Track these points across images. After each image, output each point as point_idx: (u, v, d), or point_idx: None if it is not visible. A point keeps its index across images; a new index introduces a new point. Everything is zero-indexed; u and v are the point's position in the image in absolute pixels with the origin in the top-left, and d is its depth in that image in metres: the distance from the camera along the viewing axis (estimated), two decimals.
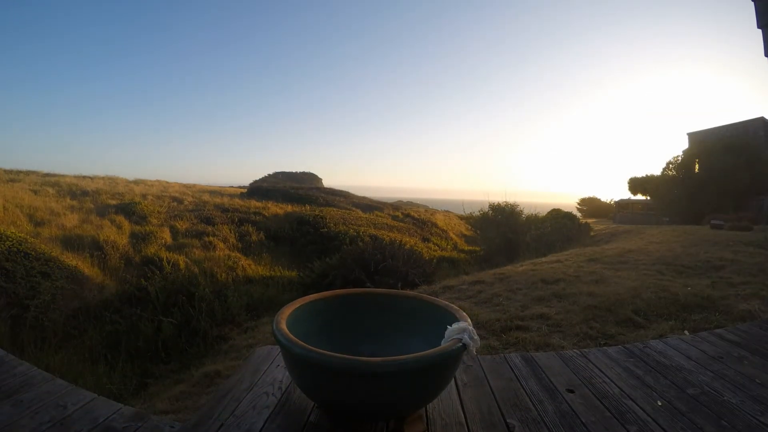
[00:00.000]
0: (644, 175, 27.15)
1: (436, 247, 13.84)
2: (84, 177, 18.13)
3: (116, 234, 9.87)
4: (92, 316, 6.50)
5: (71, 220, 10.01)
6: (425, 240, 14.78)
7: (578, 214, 22.04)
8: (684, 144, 24.58)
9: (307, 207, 17.46)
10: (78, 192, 13.46)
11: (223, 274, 8.59)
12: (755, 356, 2.05)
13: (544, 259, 7.39)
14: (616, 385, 1.75)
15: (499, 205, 13.69)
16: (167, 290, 6.74)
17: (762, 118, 20.41)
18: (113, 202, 12.58)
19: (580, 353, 2.11)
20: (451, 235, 17.34)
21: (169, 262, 8.69)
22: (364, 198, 26.35)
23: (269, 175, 54.76)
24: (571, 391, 1.68)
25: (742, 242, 7.24)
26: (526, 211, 14.26)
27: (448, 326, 1.37)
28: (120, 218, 11.10)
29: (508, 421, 1.46)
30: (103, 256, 8.64)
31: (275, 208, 15.80)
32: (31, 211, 9.88)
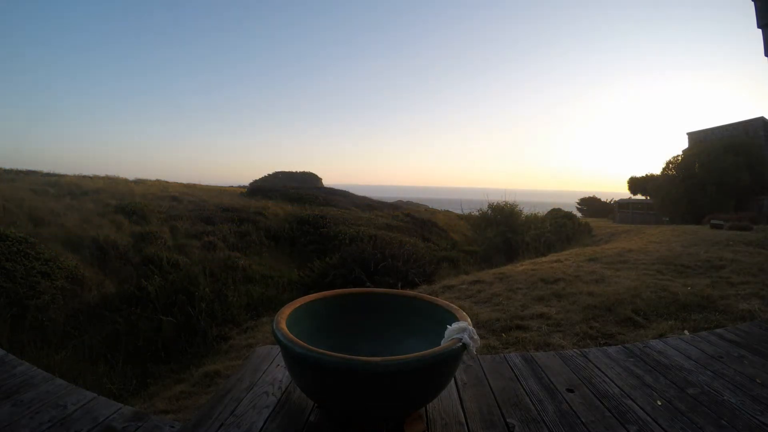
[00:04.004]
0: (644, 175, 27.19)
1: (436, 247, 13.83)
2: (84, 177, 18.13)
3: (116, 234, 9.87)
4: (92, 316, 6.49)
5: (71, 220, 10.00)
6: (425, 240, 14.76)
7: (578, 214, 22.07)
8: (684, 144, 24.62)
9: (307, 207, 17.45)
10: (78, 192, 13.46)
11: (223, 274, 8.58)
12: (755, 356, 2.05)
13: (543, 259, 7.39)
14: (616, 384, 1.75)
15: (498, 204, 13.68)
16: (167, 290, 6.73)
17: (762, 118, 20.43)
18: (113, 202, 12.56)
19: (580, 353, 2.11)
20: (451, 234, 17.32)
21: (169, 262, 8.68)
22: (364, 198, 26.35)
23: (269, 175, 54.69)
24: (571, 391, 1.68)
25: (742, 242, 7.23)
26: (526, 211, 14.25)
27: (448, 326, 1.37)
28: (120, 218, 11.09)
29: (508, 420, 1.46)
30: (103, 256, 8.64)
31: (275, 208, 15.78)
32: (31, 211, 9.88)
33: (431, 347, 1.26)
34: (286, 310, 1.47)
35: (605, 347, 2.25)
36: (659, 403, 1.59)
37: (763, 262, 5.35)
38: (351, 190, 30.65)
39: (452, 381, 1.71)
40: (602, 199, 35.82)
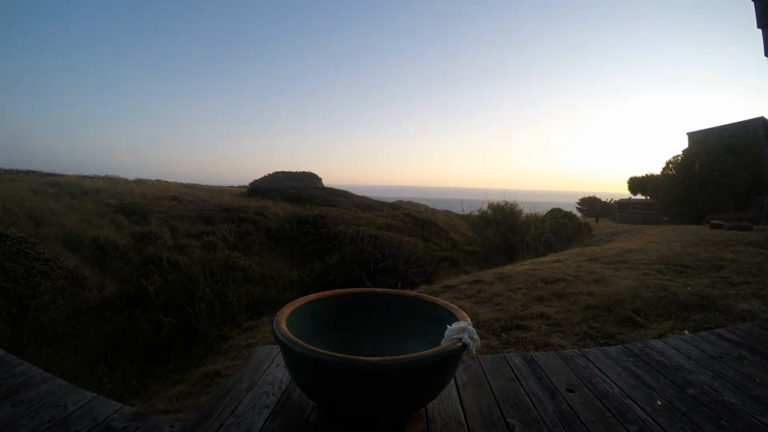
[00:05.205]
0: (644, 175, 27.18)
1: (436, 247, 13.83)
2: (84, 177, 18.14)
3: (116, 234, 9.88)
4: (92, 316, 6.50)
5: (71, 220, 10.01)
6: (425, 240, 14.76)
7: (578, 214, 22.07)
8: (684, 144, 24.61)
9: (307, 207, 17.45)
10: (78, 192, 13.46)
11: (223, 274, 8.59)
12: (755, 356, 2.05)
13: (543, 259, 7.38)
14: (616, 384, 1.75)
15: (498, 204, 13.69)
16: (167, 290, 6.73)
17: (762, 118, 20.42)
18: (113, 201, 12.57)
19: (580, 353, 2.11)
20: (451, 234, 17.32)
21: (169, 262, 8.69)
22: (364, 198, 26.35)
23: (269, 175, 54.78)
24: (571, 391, 1.68)
25: (742, 242, 7.23)
26: (526, 211, 14.25)
27: (448, 326, 1.37)
28: (120, 218, 11.10)
29: (508, 420, 1.46)
30: (103, 256, 8.64)
31: (275, 208, 15.79)
32: (31, 211, 9.88)
33: (431, 347, 1.26)
34: (286, 310, 1.47)
35: (605, 347, 2.25)
36: (659, 403, 1.59)
37: (763, 262, 5.34)
38: (351, 190, 30.65)
39: (452, 381, 1.71)
40: (602, 199, 35.80)
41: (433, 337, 1.40)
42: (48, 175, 17.49)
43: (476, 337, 1.31)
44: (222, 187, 25.96)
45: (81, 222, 10.12)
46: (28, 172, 17.63)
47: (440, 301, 1.64)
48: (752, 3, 2.94)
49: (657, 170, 24.57)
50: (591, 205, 34.39)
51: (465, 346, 1.28)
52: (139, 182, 19.57)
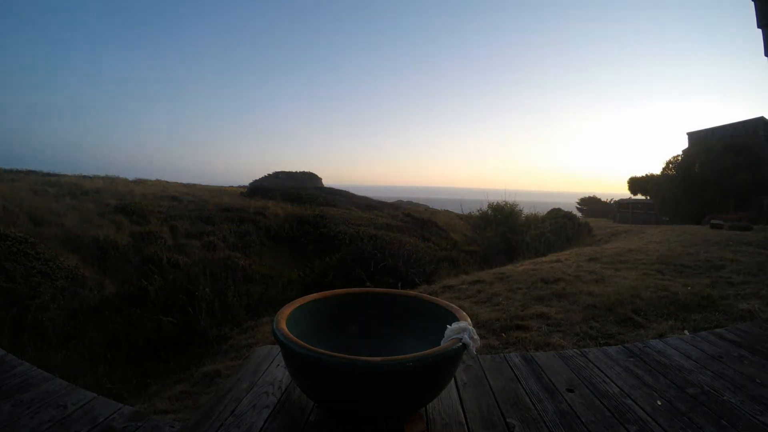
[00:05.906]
0: (644, 175, 27.20)
1: (436, 247, 13.82)
2: (84, 177, 18.14)
3: (116, 234, 9.87)
4: (92, 315, 6.49)
5: (71, 220, 10.00)
6: (425, 240, 14.75)
7: (578, 214, 22.06)
8: (684, 144, 24.61)
9: (307, 207, 17.44)
10: (78, 192, 13.46)
11: (223, 274, 8.58)
12: (755, 356, 2.05)
13: (543, 259, 7.38)
14: (615, 384, 1.75)
15: (498, 204, 13.69)
16: (167, 290, 6.73)
17: (762, 118, 20.41)
18: (113, 201, 12.56)
19: (580, 353, 2.11)
20: (451, 234, 17.31)
21: (169, 262, 8.68)
22: (364, 198, 26.35)
23: (269, 175, 54.79)
24: (571, 391, 1.68)
25: (742, 242, 7.24)
26: (526, 211, 14.25)
27: (448, 326, 1.37)
28: (120, 218, 11.09)
29: (507, 420, 1.46)
30: (103, 255, 8.64)
31: (275, 208, 15.78)
32: (31, 211, 9.88)
33: (431, 347, 1.26)
34: (286, 310, 1.47)
35: (605, 347, 2.25)
36: (659, 403, 1.59)
37: (763, 262, 5.35)
38: (351, 190, 30.66)
39: (452, 381, 1.71)
40: (602, 199, 35.82)
41: (433, 337, 1.40)
42: (48, 175, 17.50)
43: (476, 337, 1.31)
44: (222, 187, 25.93)
45: (81, 222, 10.12)
46: (28, 172, 17.64)
47: (440, 301, 1.64)
48: (752, 3, 2.95)
49: (657, 170, 24.61)
50: (591, 205, 34.39)
51: (465, 346, 1.28)
52: (139, 182, 19.56)
